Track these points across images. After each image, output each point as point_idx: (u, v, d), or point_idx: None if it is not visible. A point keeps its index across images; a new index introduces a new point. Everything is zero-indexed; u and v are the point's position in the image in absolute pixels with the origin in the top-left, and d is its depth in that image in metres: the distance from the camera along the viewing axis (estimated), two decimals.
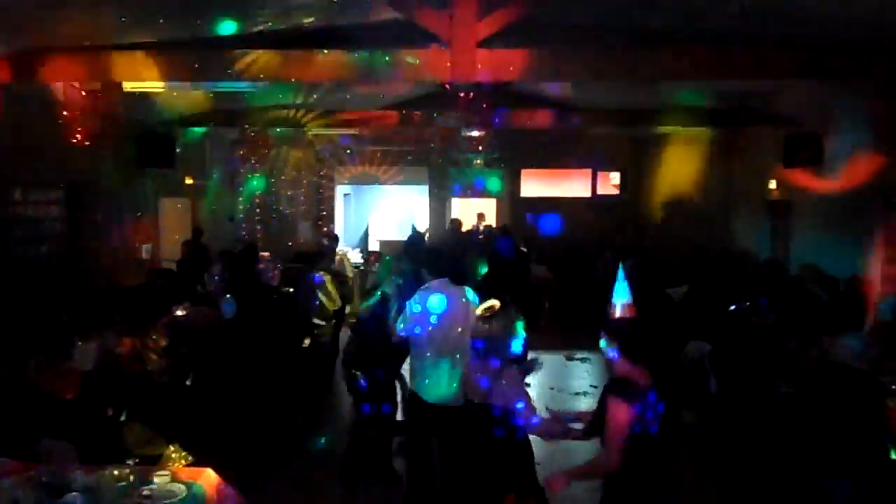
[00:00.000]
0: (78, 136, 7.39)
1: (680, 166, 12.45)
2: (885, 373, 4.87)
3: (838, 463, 3.64)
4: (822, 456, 3.68)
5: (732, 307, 7.10)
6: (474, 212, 14.05)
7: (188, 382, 6.32)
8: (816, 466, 3.70)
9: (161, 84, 7.05)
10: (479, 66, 5.90)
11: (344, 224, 15.31)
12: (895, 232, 7.82)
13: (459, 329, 4.52)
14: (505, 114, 9.72)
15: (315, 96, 8.97)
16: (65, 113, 7.34)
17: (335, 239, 9.40)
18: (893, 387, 4.71)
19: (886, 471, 3.78)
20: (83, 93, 7.17)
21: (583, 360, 9.09)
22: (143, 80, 6.55)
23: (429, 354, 4.61)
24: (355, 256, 14.11)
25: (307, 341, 7.26)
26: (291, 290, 7.96)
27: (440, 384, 4.58)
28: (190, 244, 9.98)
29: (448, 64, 5.92)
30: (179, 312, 7.15)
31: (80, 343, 5.62)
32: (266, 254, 8.51)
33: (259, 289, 7.18)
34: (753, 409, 5.46)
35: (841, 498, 3.56)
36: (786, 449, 4.17)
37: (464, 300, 4.69)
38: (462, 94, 6.45)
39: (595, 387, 7.78)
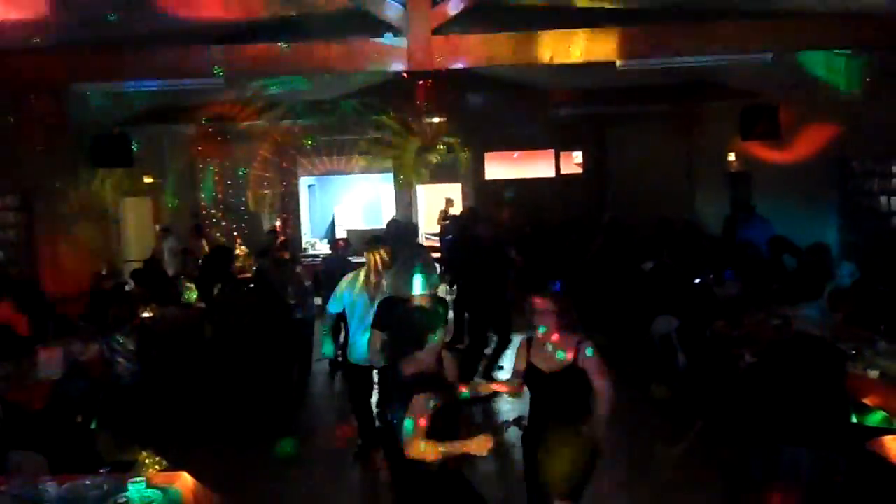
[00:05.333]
0: (29, 140, 7.22)
1: (641, 143, 12.59)
2: (845, 339, 5.03)
3: (801, 429, 3.75)
4: (785, 423, 3.78)
5: (697, 280, 7.23)
6: (441, 197, 14.03)
7: (159, 385, 6.25)
8: (780, 433, 3.80)
9: (110, 83, 6.88)
10: (436, 54, 5.89)
11: (310, 215, 15.19)
12: (852, 199, 8.04)
13: None
14: (465, 97, 9.71)
15: (272, 89, 8.84)
16: (12, 118, 7.14)
17: (272, 232, 9.31)
18: (853, 352, 4.88)
19: (846, 434, 3.90)
20: (31, 96, 6.98)
21: None
22: (91, 80, 6.39)
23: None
24: (322, 247, 14.07)
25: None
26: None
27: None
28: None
29: (405, 53, 5.89)
30: (146, 314, 7.06)
31: (42, 351, 5.52)
32: (244, 249, 8.41)
33: (238, 284, 7.11)
34: (719, 381, 5.59)
35: (803, 462, 3.67)
36: (750, 418, 4.27)
37: None
38: (420, 82, 6.43)
39: None
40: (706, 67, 8.20)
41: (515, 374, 3.86)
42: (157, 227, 10.55)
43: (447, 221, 12.85)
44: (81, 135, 8.82)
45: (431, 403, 3.16)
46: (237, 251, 8.29)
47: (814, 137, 8.54)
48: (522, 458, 3.92)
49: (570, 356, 3.66)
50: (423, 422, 3.12)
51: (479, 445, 3.11)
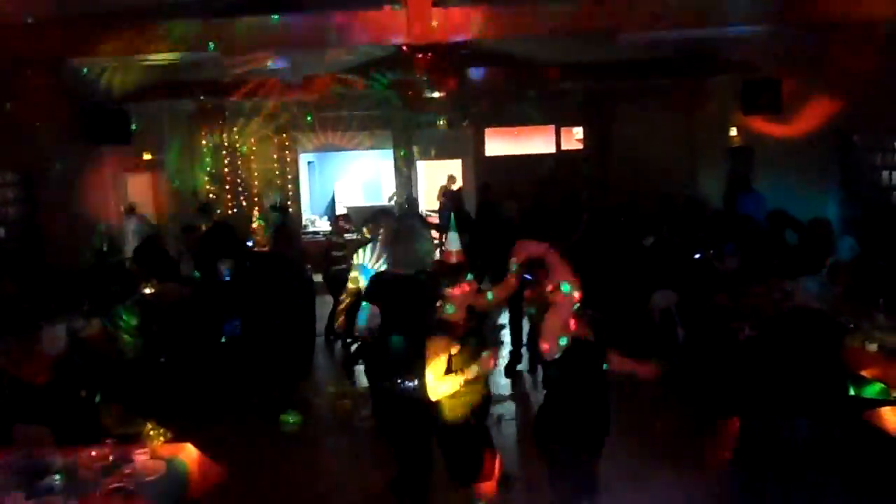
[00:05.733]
0: (28, 116, 7.18)
1: (642, 118, 12.51)
2: (844, 313, 5.06)
3: (798, 400, 3.77)
4: (782, 394, 3.81)
5: (697, 255, 7.24)
6: (442, 174, 13.99)
7: (161, 360, 6.30)
8: (778, 406, 3.83)
9: (108, 58, 6.81)
10: (436, 26, 5.83)
11: (309, 192, 15.16)
12: (852, 174, 8.01)
13: None
14: (465, 72, 9.63)
15: (270, 64, 8.76)
16: (10, 94, 7.10)
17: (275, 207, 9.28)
18: (851, 326, 4.90)
19: (844, 405, 3.94)
20: (29, 71, 6.93)
21: None
22: (95, 54, 6.34)
23: None
24: (322, 224, 14.07)
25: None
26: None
27: None
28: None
29: (404, 25, 5.84)
30: (147, 290, 7.09)
31: (46, 327, 5.55)
32: (261, 224, 8.36)
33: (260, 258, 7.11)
34: (718, 354, 5.61)
35: (800, 432, 3.70)
36: (749, 391, 4.30)
37: None
38: (420, 55, 6.38)
39: None
40: (708, 40, 8.16)
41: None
42: (122, 207, 10.26)
43: (445, 198, 12.83)
44: (81, 111, 8.78)
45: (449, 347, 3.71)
46: (254, 224, 8.26)
47: (815, 112, 8.48)
48: None
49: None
50: (441, 363, 3.66)
51: (485, 363, 3.72)
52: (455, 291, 3.84)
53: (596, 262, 8.58)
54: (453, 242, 4.08)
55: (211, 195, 12.43)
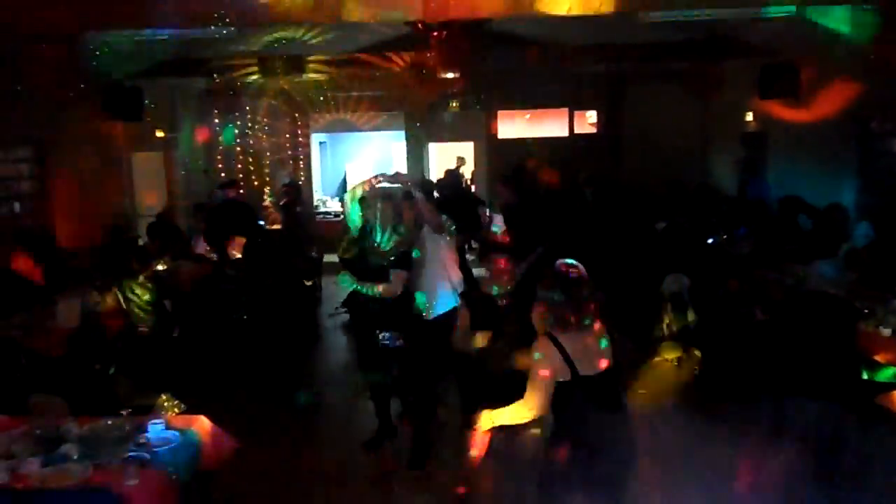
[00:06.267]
0: (42, 91, 7.19)
1: (657, 103, 12.40)
2: (859, 297, 5.02)
3: (811, 383, 3.76)
4: (795, 377, 3.80)
5: (710, 240, 7.20)
6: (454, 156, 13.93)
7: (175, 335, 6.35)
8: (791, 390, 3.82)
9: (122, 32, 6.80)
10: (452, 3, 5.78)
11: (321, 172, 15.14)
12: (869, 160, 7.93)
13: None
14: (479, 53, 9.55)
15: (283, 42, 8.73)
16: (29, 68, 7.11)
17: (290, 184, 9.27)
18: (866, 311, 4.87)
19: (857, 390, 3.93)
20: (45, 46, 6.93)
21: None
22: (109, 28, 6.34)
23: None
24: (334, 204, 14.06)
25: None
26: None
27: None
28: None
29: (421, 1, 5.79)
30: (160, 267, 7.13)
31: (61, 302, 5.60)
32: (272, 202, 8.39)
33: (270, 236, 7.14)
34: (731, 338, 5.60)
35: (812, 415, 3.70)
36: (761, 374, 4.29)
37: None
38: (435, 33, 6.33)
39: None
40: (726, 24, 8.06)
41: None
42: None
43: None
44: (94, 86, 8.79)
45: None
46: (266, 202, 8.30)
47: (832, 97, 8.38)
48: None
49: None
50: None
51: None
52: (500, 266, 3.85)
53: (607, 245, 8.60)
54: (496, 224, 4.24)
55: (220, 174, 12.46)
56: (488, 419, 3.20)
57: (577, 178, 10.30)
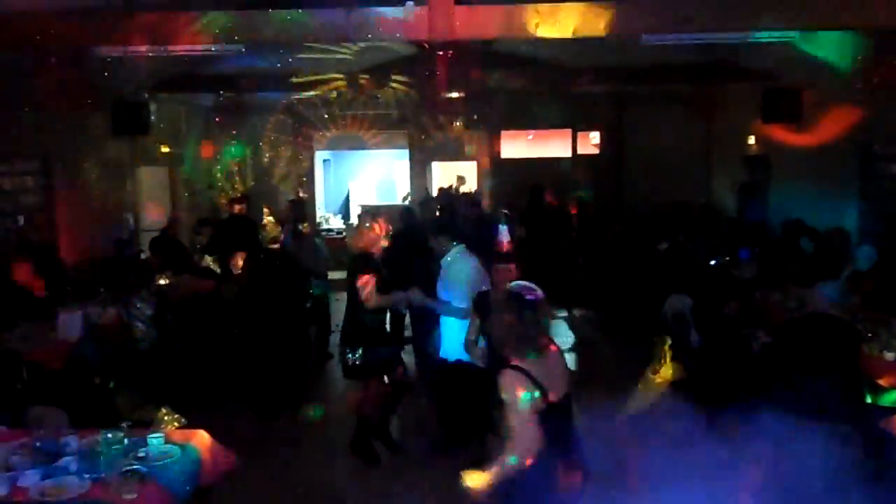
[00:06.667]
0: (49, 105, 7.23)
1: (660, 124, 12.48)
2: (862, 321, 5.01)
3: (815, 406, 3.75)
4: (799, 400, 3.79)
5: (713, 262, 7.20)
6: (456, 175, 13.96)
7: (176, 348, 6.33)
8: (794, 410, 3.80)
9: (130, 48, 6.85)
10: (458, 24, 5.82)
11: (324, 190, 15.20)
12: (872, 184, 7.95)
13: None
14: (483, 73, 9.63)
15: (290, 60, 8.79)
16: (37, 82, 7.16)
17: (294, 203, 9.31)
18: (869, 334, 4.85)
19: (861, 413, 3.91)
20: (54, 60, 6.98)
21: (565, 318, 9.22)
22: (118, 44, 6.39)
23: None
24: (336, 222, 14.09)
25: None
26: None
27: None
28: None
29: (426, 22, 5.84)
30: (162, 282, 7.14)
31: (63, 314, 5.60)
32: (272, 220, 8.39)
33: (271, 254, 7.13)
34: (734, 360, 5.57)
35: (817, 438, 3.68)
36: (765, 397, 4.27)
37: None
38: (440, 54, 6.38)
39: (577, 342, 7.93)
40: (729, 48, 8.12)
41: None
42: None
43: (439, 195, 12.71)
44: (102, 101, 8.85)
45: None
46: (265, 220, 8.28)
47: (835, 120, 8.43)
48: None
49: None
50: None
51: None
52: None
53: (610, 265, 8.61)
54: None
55: (223, 191, 12.50)
56: (478, 479, 2.92)
57: (563, 199, 10.47)
